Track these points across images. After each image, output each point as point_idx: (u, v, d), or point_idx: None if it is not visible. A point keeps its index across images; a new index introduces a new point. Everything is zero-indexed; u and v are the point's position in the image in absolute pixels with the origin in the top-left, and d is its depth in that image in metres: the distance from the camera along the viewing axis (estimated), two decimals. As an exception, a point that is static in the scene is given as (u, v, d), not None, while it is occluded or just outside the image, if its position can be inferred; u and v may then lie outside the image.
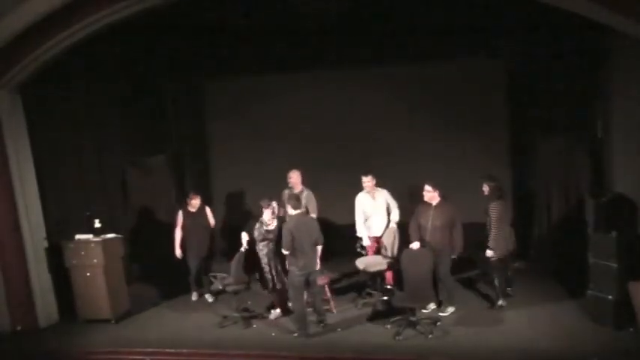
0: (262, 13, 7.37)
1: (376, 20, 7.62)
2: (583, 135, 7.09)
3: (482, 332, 5.71)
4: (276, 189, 7.22)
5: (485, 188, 6.38)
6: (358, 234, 6.94)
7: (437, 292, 6.22)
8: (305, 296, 6.07)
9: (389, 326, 5.94)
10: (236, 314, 6.44)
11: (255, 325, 6.29)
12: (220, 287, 6.54)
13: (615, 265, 5.54)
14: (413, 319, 5.84)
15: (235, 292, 6.43)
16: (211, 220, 7.46)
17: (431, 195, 6.18)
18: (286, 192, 7.09)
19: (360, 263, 6.69)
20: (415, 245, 6.13)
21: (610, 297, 5.56)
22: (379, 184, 7.05)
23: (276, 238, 6.14)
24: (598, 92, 6.80)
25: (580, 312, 5.99)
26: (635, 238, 5.78)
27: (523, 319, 6.00)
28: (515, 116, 8.44)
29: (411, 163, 8.62)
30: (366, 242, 6.88)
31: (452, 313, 6.21)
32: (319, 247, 6.04)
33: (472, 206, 8.74)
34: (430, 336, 5.65)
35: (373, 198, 6.90)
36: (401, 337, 5.69)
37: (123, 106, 8.24)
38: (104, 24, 6.00)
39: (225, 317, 6.50)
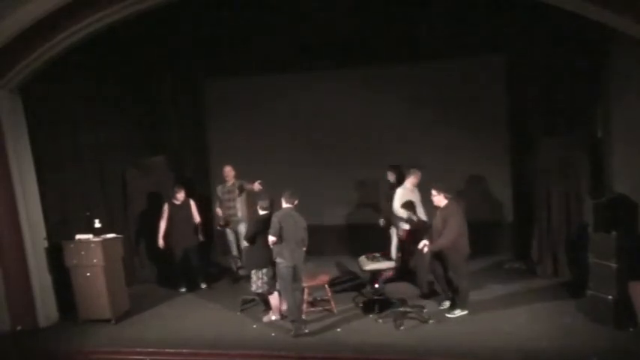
0: (263, 13, 7.39)
1: (376, 20, 7.63)
2: (583, 135, 7.09)
3: (483, 332, 5.70)
4: (276, 188, 7.23)
5: (391, 177, 7.12)
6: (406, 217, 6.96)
7: (452, 291, 6.25)
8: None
9: (381, 320, 6.09)
10: (251, 296, 6.71)
11: (255, 326, 6.30)
12: (235, 269, 6.85)
13: (615, 266, 5.54)
14: (403, 309, 6.05)
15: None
16: (195, 214, 7.79)
17: (436, 198, 6.14)
18: (219, 187, 8.15)
19: (362, 262, 6.71)
20: (421, 244, 6.14)
21: (610, 297, 5.57)
22: (378, 184, 7.08)
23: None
24: (598, 92, 6.80)
25: (580, 312, 5.99)
26: (635, 238, 5.78)
27: (523, 319, 6.00)
28: (515, 116, 8.45)
29: (409, 163, 8.61)
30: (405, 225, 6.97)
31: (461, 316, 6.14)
32: (304, 249, 6.15)
33: (473, 206, 8.79)
34: (431, 321, 5.90)
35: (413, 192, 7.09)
36: (403, 327, 5.87)
37: (123, 106, 8.24)
38: (104, 24, 6.00)
39: (245, 302, 6.80)
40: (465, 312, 6.17)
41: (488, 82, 8.51)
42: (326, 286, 6.52)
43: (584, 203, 7.03)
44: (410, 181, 7.01)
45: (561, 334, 5.53)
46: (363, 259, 6.77)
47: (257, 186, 7.66)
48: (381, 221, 7.66)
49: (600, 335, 5.42)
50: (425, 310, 6.23)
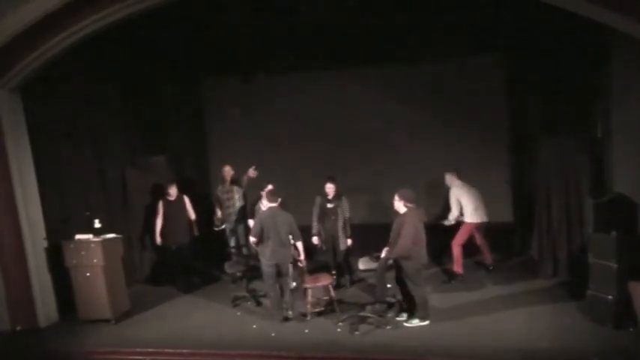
0: (262, 13, 7.38)
1: (376, 20, 7.62)
2: (583, 135, 7.09)
3: (482, 332, 5.70)
4: (275, 187, 7.28)
5: (330, 190, 7.25)
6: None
7: (409, 301, 6.15)
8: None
9: (341, 324, 6.09)
10: (246, 294, 7.09)
11: (255, 326, 6.30)
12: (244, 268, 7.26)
13: (615, 265, 5.54)
14: (362, 314, 6.07)
15: (245, 276, 7.26)
16: (189, 209, 7.95)
17: (396, 204, 6.03)
18: (219, 188, 8.23)
19: (362, 262, 6.71)
20: (383, 252, 6.11)
21: (610, 297, 5.57)
22: (378, 184, 7.07)
23: None
24: (598, 92, 6.80)
25: (580, 312, 5.99)
26: (635, 238, 5.78)
27: (523, 319, 6.00)
28: (515, 116, 8.45)
29: (410, 163, 8.63)
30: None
31: (422, 325, 5.97)
32: (299, 244, 6.41)
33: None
34: (388, 327, 5.90)
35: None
36: (358, 332, 5.85)
37: (123, 106, 8.24)
38: (104, 24, 6.00)
39: (237, 298, 7.11)
40: (426, 322, 5.99)
41: (489, 82, 8.50)
42: (329, 286, 6.53)
43: (584, 203, 7.02)
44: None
45: (561, 334, 5.53)
46: (364, 259, 6.76)
47: (252, 172, 7.74)
48: (316, 239, 7.41)
49: (600, 335, 5.42)
50: (389, 315, 6.21)
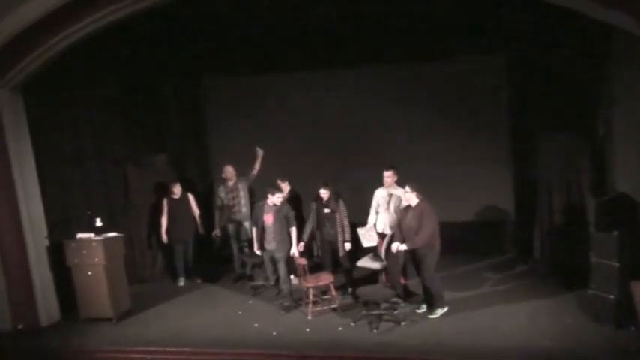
0: (263, 13, 7.39)
1: (376, 20, 7.63)
2: (584, 134, 7.08)
3: (483, 332, 5.70)
4: (275, 187, 7.32)
5: (325, 194, 6.95)
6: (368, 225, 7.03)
7: (427, 293, 6.23)
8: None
9: (353, 323, 6.07)
10: (264, 282, 7.40)
11: (256, 325, 6.31)
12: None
13: (617, 265, 5.53)
14: (377, 312, 6.07)
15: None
16: (194, 207, 8.08)
17: (408, 196, 6.09)
18: (220, 188, 8.16)
19: (361, 261, 6.71)
20: (394, 246, 6.11)
21: (611, 296, 5.56)
22: (378, 185, 7.06)
23: None
24: (599, 92, 6.79)
25: (581, 311, 5.99)
26: (636, 237, 5.76)
27: (523, 318, 6.00)
28: (515, 116, 8.44)
29: (410, 163, 8.60)
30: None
31: (443, 315, 6.12)
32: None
33: (474, 205, 8.78)
34: (403, 323, 5.94)
35: (388, 194, 6.92)
36: (377, 330, 5.85)
37: (123, 105, 8.25)
38: (104, 24, 6.01)
39: (253, 287, 7.46)
40: (446, 308, 6.17)
41: (489, 81, 8.49)
42: (331, 285, 6.53)
43: (585, 202, 7.02)
44: (386, 181, 6.96)
45: (562, 333, 5.53)
46: (365, 257, 6.76)
47: (259, 152, 7.90)
48: (302, 246, 7.17)
49: (601, 335, 5.42)
50: (396, 312, 6.23)
